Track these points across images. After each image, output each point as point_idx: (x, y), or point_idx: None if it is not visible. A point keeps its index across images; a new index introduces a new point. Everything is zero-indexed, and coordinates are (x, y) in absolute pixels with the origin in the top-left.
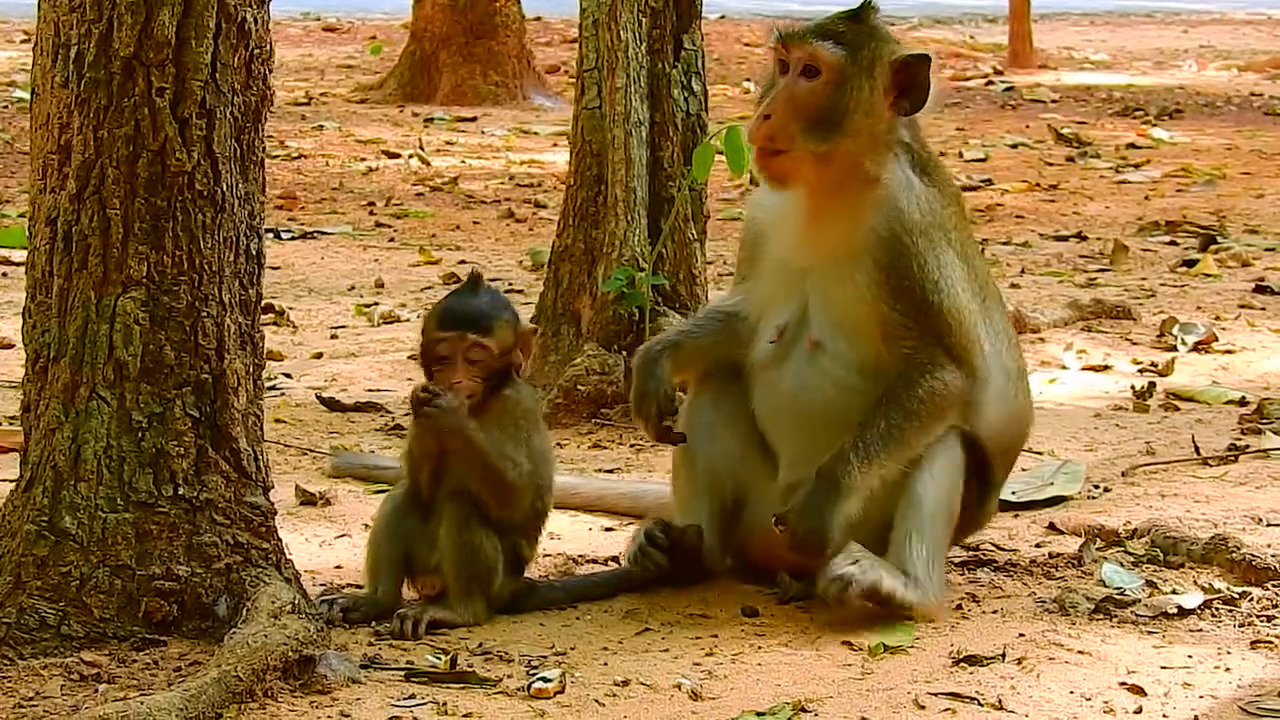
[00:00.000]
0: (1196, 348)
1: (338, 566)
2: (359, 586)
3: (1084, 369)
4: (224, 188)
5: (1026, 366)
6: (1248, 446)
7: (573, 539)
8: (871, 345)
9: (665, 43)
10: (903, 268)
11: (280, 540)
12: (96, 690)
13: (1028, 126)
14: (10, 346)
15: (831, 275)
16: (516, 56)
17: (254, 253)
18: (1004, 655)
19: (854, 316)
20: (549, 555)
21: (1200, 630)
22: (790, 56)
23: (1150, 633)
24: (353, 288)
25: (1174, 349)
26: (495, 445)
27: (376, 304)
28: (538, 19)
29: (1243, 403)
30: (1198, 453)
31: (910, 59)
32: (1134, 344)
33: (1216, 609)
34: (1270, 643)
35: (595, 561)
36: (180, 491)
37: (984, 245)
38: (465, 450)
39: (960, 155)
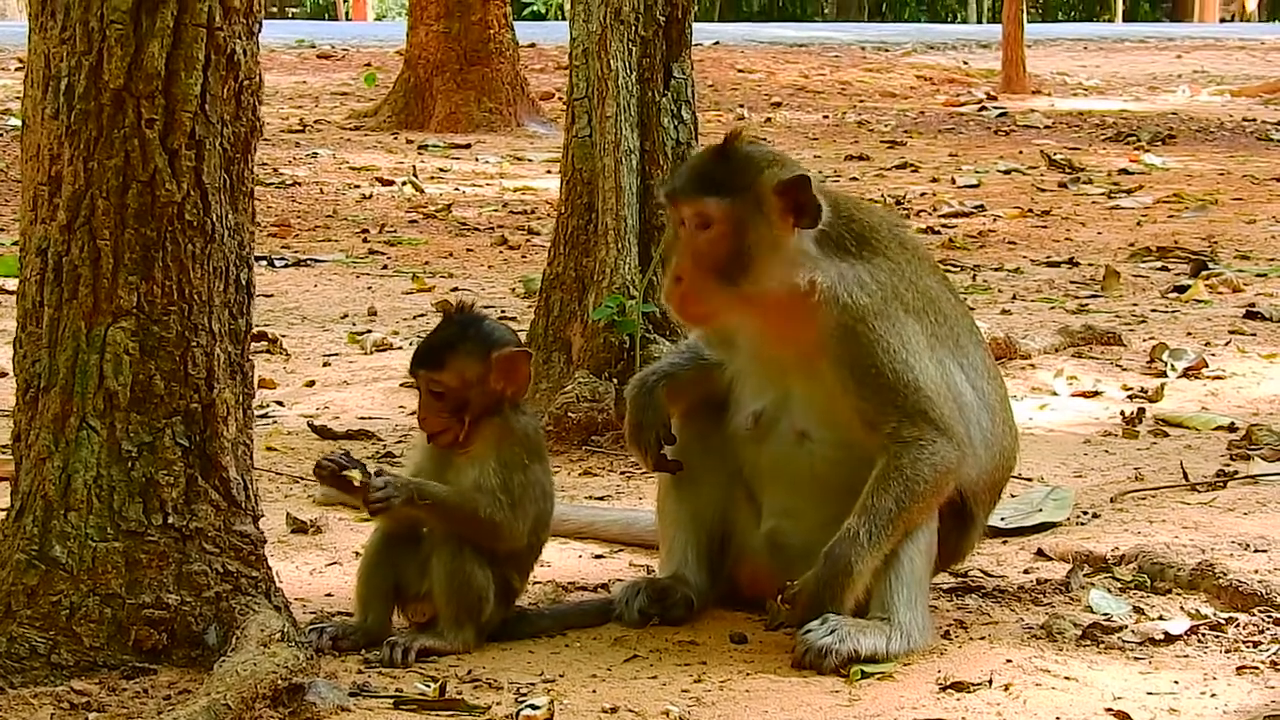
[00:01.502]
0: (1186, 374)
1: (328, 594)
2: (349, 614)
3: (1074, 395)
4: (213, 218)
5: (1008, 394)
6: (1236, 472)
7: (563, 566)
8: (857, 432)
9: (655, 71)
10: (865, 358)
11: (269, 568)
12: (87, 719)
13: (1020, 152)
14: (3, 375)
15: (805, 374)
16: (510, 83)
17: (244, 282)
18: (991, 681)
19: (835, 410)
20: (539, 583)
21: (1187, 656)
22: (682, 213)
23: (1137, 659)
24: (345, 315)
25: (1164, 375)
26: (457, 490)
27: (369, 331)
28: (531, 46)
29: (1232, 429)
30: (1186, 479)
31: (788, 183)
32: (1124, 370)
33: (1203, 635)
34: (1256, 669)
35: (585, 589)
36: (170, 520)
37: (975, 271)
38: (428, 512)
39: (953, 181)
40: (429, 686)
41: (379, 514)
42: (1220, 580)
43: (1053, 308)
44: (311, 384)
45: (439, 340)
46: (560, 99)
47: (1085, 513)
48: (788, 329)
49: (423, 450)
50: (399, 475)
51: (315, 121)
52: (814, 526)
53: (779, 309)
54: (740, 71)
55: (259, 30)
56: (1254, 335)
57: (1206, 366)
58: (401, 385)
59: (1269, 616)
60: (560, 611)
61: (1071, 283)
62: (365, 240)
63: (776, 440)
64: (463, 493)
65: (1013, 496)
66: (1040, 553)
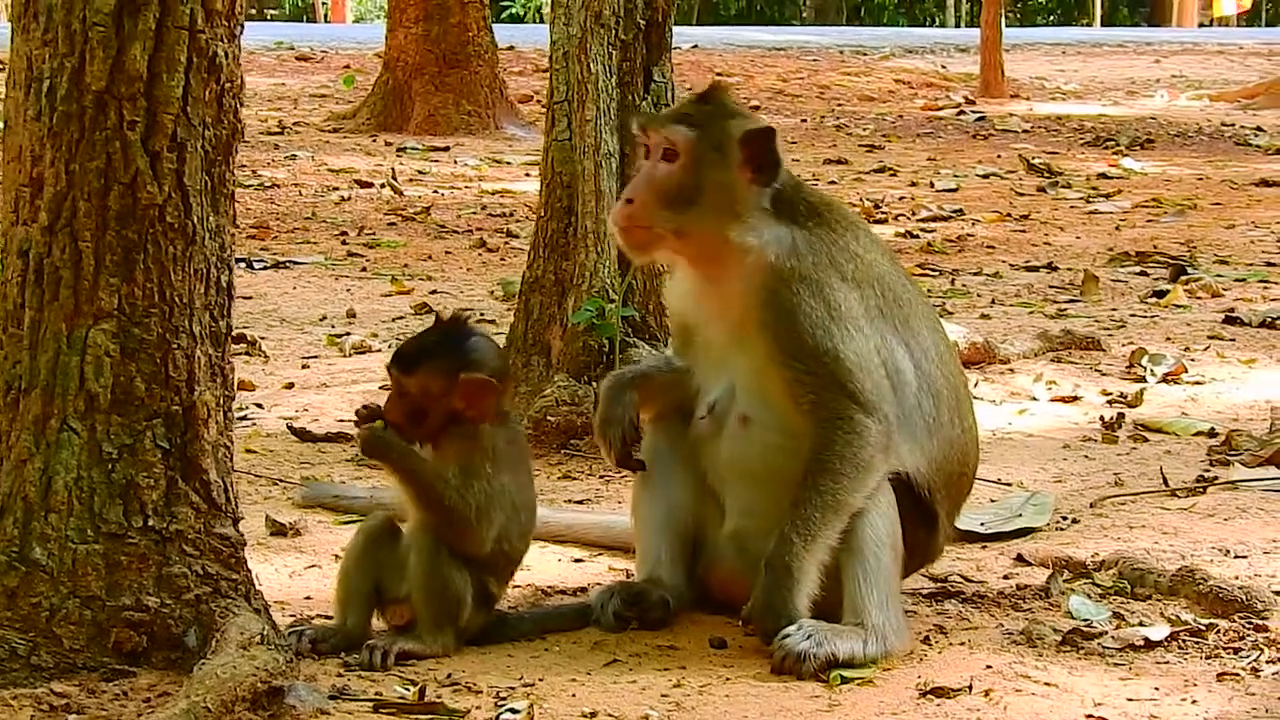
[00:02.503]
0: (1166, 379)
1: (307, 597)
2: (328, 617)
3: (1053, 400)
4: (195, 220)
5: (965, 386)
6: (1216, 478)
7: (542, 570)
8: (791, 411)
9: (635, 75)
10: (788, 321)
11: (249, 571)
12: None
13: (999, 156)
14: None
15: (744, 351)
16: (489, 86)
17: (224, 285)
18: (971, 687)
19: (769, 386)
20: (518, 586)
21: (1167, 662)
22: (650, 141)
23: (1117, 665)
24: (324, 318)
25: (1143, 380)
26: (435, 470)
27: (348, 334)
28: (510, 48)
29: (1211, 434)
30: (1166, 484)
31: (754, 132)
32: (1103, 375)
33: (1184, 641)
34: (1237, 675)
35: (565, 593)
36: (150, 523)
37: (954, 276)
38: (406, 480)
39: (931, 185)
40: (408, 690)
41: (368, 454)
42: (1201, 586)
43: (1031, 312)
44: (290, 386)
45: (418, 345)
46: (539, 102)
47: (1065, 518)
48: (724, 293)
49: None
50: (398, 440)
51: (294, 123)
52: (774, 525)
53: (714, 261)
54: (718, 75)
55: (240, 33)
56: (1233, 340)
57: (1186, 371)
58: (380, 387)
59: (1249, 623)
60: (539, 615)
61: (1050, 287)
62: (344, 242)
63: (729, 432)
64: (441, 477)
65: (992, 501)
66: (1020, 558)
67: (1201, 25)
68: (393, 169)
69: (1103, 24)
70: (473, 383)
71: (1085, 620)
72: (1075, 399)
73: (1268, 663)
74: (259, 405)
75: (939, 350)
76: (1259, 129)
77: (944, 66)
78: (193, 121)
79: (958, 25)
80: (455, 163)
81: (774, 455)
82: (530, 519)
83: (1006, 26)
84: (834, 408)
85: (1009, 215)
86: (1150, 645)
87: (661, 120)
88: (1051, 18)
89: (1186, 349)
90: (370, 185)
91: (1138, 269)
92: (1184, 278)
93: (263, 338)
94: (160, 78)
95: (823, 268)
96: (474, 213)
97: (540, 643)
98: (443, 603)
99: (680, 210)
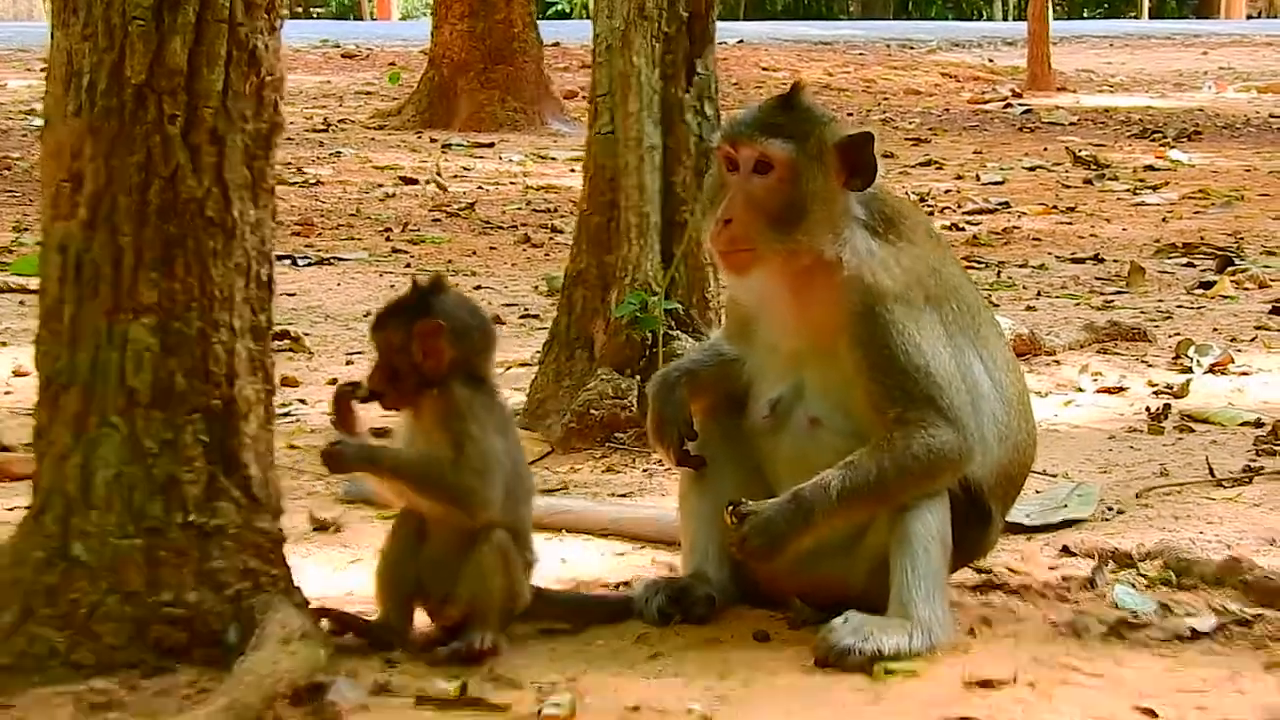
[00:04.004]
0: (1212, 369)
1: (349, 593)
2: (368, 614)
3: (1099, 391)
4: (235, 214)
5: (1026, 388)
6: (1262, 468)
7: (584, 564)
8: (867, 419)
9: (678, 68)
10: (882, 340)
11: (289, 567)
12: (106, 718)
13: (1045, 149)
14: (26, 374)
15: (821, 359)
16: (534, 82)
17: (264, 279)
18: (1017, 679)
19: (850, 394)
20: (560, 580)
21: (1214, 653)
22: (739, 155)
23: (1164, 655)
24: (368, 313)
25: (1189, 371)
26: (413, 454)
27: None
28: (555, 44)
29: (1258, 424)
30: (1212, 474)
31: (853, 138)
32: (1149, 366)
33: (1230, 631)
34: None
35: (607, 587)
36: (190, 518)
37: (1000, 268)
38: (392, 477)
39: (978, 178)
40: (450, 684)
41: (336, 471)
42: (1247, 576)
43: (1078, 304)
44: (334, 382)
45: (389, 304)
46: (584, 98)
47: (1110, 509)
48: (809, 304)
49: (402, 422)
50: (362, 441)
51: (339, 121)
52: None
53: (807, 277)
54: (764, 70)
55: (280, 26)
56: (1279, 331)
57: (1232, 362)
58: None
59: None
60: (576, 599)
61: (1097, 279)
62: (388, 239)
63: (791, 430)
64: (426, 457)
65: (1037, 493)
66: (1065, 549)
67: (1250, 17)
68: (437, 165)
69: (1150, 16)
70: (424, 329)
71: (1131, 611)
72: (1121, 390)
73: None
74: (302, 401)
75: (1005, 356)
76: None
77: (991, 60)
78: (232, 115)
79: (1005, 18)
80: (500, 159)
81: (839, 457)
82: (524, 483)
83: (1054, 19)
84: (921, 414)
85: (1055, 207)
86: (1197, 636)
87: (753, 132)
88: (1099, 10)
89: (1233, 340)
90: (415, 182)
91: (1184, 260)
92: (1230, 269)
93: (306, 334)
94: (200, 71)
95: (912, 286)
96: (518, 208)
97: (582, 637)
98: (507, 600)
99: (785, 229)
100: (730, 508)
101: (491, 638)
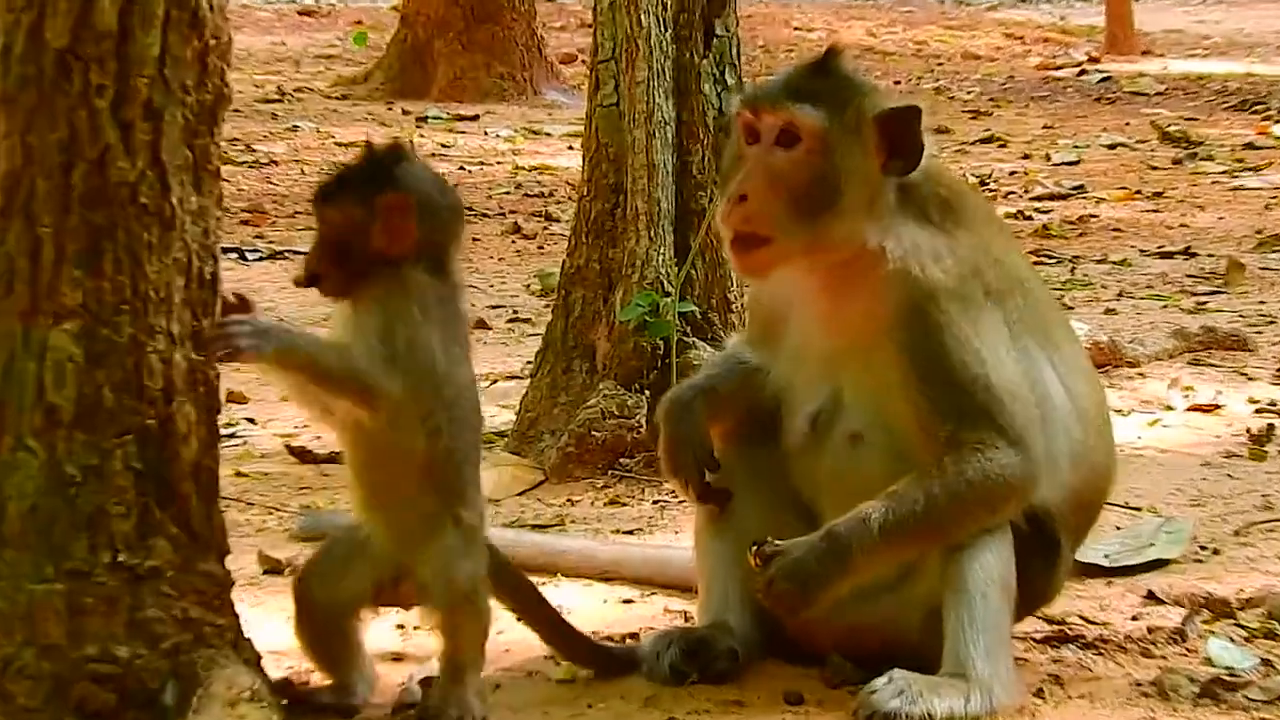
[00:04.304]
0: None
1: None
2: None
3: (1191, 409)
4: (173, 201)
5: (1105, 399)
6: None
7: (586, 612)
8: (917, 437)
9: (694, 29)
10: (933, 344)
11: (237, 616)
12: None
13: (1127, 124)
14: None
15: (861, 364)
16: (525, 44)
17: (208, 277)
18: None
19: (895, 407)
20: None
21: None
22: (761, 123)
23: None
24: (329, 317)
25: None
26: (336, 339)
27: None
28: (551, 0)
29: None
30: None
31: (897, 111)
32: (1250, 380)
33: None
34: None
35: (611, 639)
36: (120, 558)
37: (1074, 264)
38: (297, 371)
39: (1048, 158)
40: None
41: (217, 353)
42: None
43: (1165, 306)
44: (288, 399)
45: (339, 173)
46: (584, 62)
47: (1204, 548)
48: (846, 302)
49: (335, 315)
50: (253, 318)
51: (295, 89)
52: None
53: (840, 273)
54: (796, 30)
55: None
56: None
57: None
58: None
59: None
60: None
61: (1188, 277)
62: None
63: (832, 449)
64: (331, 340)
65: (1118, 529)
66: (1151, 595)
67: None
68: (412, 141)
69: None
70: (389, 203)
71: (1227, 668)
72: (1217, 408)
73: None
74: (251, 420)
75: (1081, 361)
76: None
77: (1063, 18)
78: (171, 86)
79: None
80: (485, 134)
81: (889, 482)
82: (473, 409)
83: None
84: (977, 434)
85: (1139, 193)
86: None
87: (778, 97)
88: None
89: None
90: None
91: None
92: None
93: None
94: (134, 34)
95: (969, 280)
96: (507, 193)
97: (582, 699)
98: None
99: (810, 214)
100: (754, 548)
101: (470, 706)
